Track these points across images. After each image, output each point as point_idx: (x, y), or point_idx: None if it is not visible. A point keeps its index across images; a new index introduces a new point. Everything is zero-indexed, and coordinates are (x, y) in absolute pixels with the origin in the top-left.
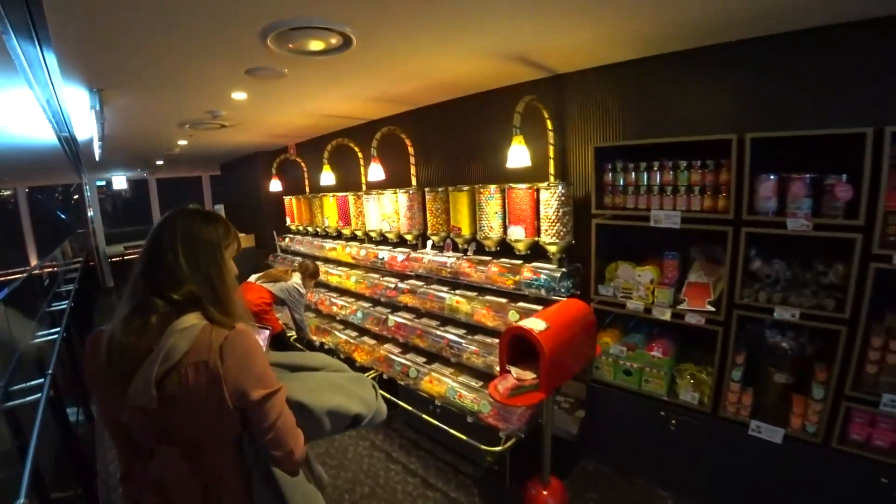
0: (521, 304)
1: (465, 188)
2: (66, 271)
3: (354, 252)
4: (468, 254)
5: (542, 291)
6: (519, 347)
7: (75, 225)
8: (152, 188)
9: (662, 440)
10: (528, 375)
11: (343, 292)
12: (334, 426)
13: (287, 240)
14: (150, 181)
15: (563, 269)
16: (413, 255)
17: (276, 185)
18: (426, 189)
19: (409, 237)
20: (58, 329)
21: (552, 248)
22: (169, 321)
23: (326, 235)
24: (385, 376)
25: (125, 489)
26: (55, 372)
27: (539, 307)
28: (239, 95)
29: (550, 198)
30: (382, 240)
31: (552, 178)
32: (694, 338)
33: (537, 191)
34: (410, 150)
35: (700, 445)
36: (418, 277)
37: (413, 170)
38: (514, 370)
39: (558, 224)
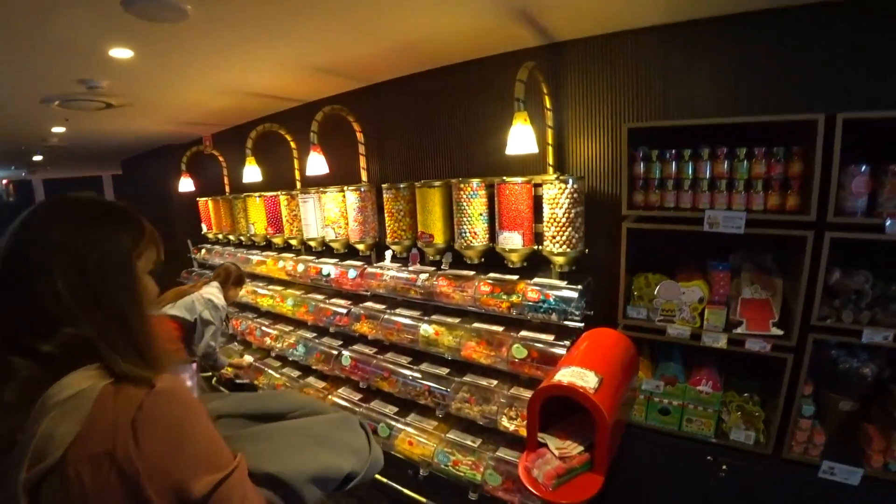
0: (523, 332)
1: (438, 183)
2: None
3: (289, 267)
4: (443, 267)
5: (554, 316)
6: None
7: None
8: (38, 191)
9: (710, 489)
10: (573, 449)
11: (277, 318)
12: (319, 493)
13: (203, 251)
14: (34, 182)
15: (580, 287)
16: (369, 270)
17: (186, 185)
18: (383, 186)
19: (360, 247)
20: None
21: (559, 260)
22: (39, 390)
23: (253, 245)
24: None
25: None
26: None
27: (549, 337)
28: (121, 52)
29: (559, 195)
30: (325, 251)
31: (551, 170)
32: (738, 363)
33: (537, 186)
34: (360, 136)
35: (757, 493)
36: (376, 299)
37: (363, 162)
38: (551, 442)
39: (569, 228)
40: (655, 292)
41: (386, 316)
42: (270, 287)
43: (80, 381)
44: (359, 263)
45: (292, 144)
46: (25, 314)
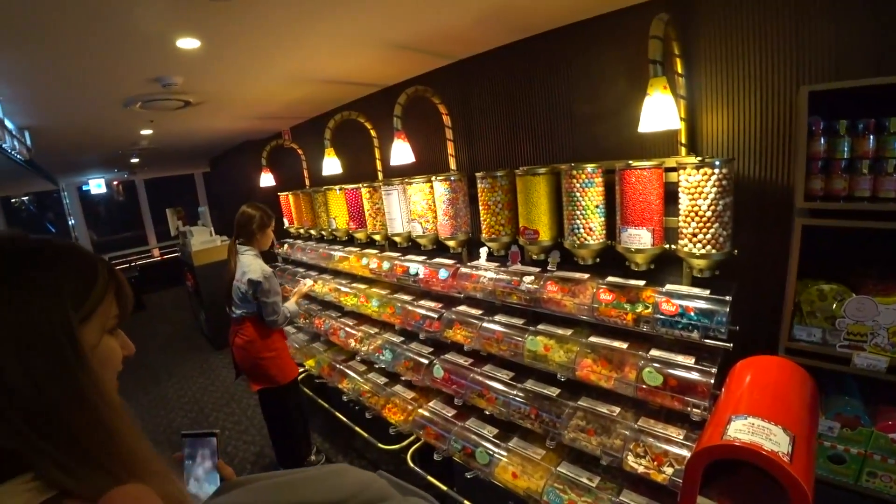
0: (654, 352)
1: (543, 170)
2: None
3: (374, 265)
4: (550, 269)
5: (695, 334)
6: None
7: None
8: (140, 190)
9: None
10: None
11: (361, 318)
12: None
13: (286, 246)
14: (137, 182)
15: (728, 298)
16: (462, 270)
17: (267, 180)
18: (477, 175)
19: (451, 244)
20: None
21: (700, 263)
22: None
23: (335, 240)
24: (437, 456)
25: None
26: None
27: (687, 360)
28: (188, 43)
29: (703, 182)
30: (412, 247)
31: (683, 151)
32: None
33: (668, 171)
34: (446, 119)
35: None
36: (471, 302)
37: (451, 148)
38: None
39: (716, 224)
40: (843, 310)
41: (484, 324)
42: (354, 285)
43: (11, 498)
44: (450, 262)
45: (372, 133)
46: None
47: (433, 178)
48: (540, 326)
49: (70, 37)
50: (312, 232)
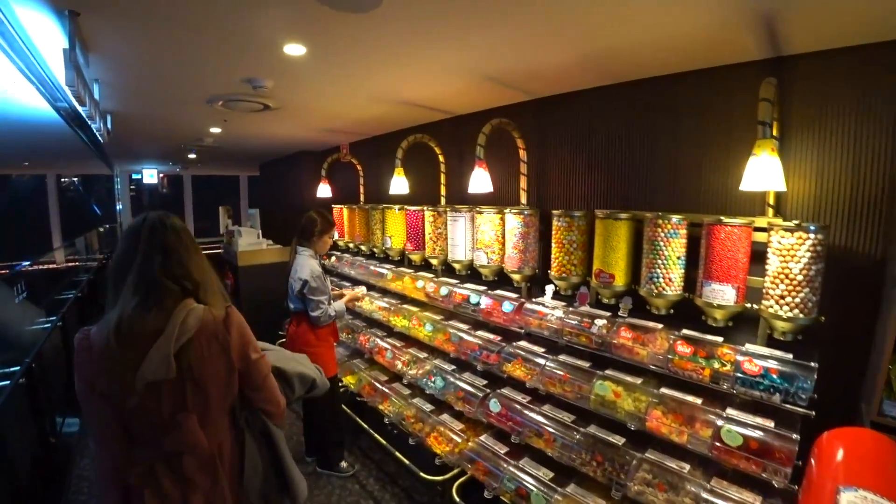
0: (731, 411)
1: (625, 216)
2: (85, 262)
3: (430, 289)
4: (621, 314)
5: (776, 397)
6: None
7: (107, 219)
8: (186, 184)
9: None
10: None
11: (408, 340)
12: (299, 389)
13: (333, 258)
14: (185, 177)
15: (813, 364)
16: (529, 306)
17: (324, 191)
18: (555, 213)
19: (516, 277)
20: (52, 318)
21: (784, 326)
22: (176, 305)
23: (386, 259)
24: (487, 494)
25: (116, 479)
26: (37, 362)
27: (768, 423)
28: (295, 49)
29: (797, 246)
30: (470, 275)
31: (771, 212)
32: None
33: (756, 230)
34: (522, 154)
35: None
36: (531, 338)
37: (523, 182)
38: None
39: (806, 289)
40: None
41: (548, 362)
42: (405, 306)
43: (193, 303)
44: (512, 295)
45: (441, 158)
46: (178, 268)
47: (507, 210)
48: (608, 371)
49: (180, 30)
50: (363, 248)
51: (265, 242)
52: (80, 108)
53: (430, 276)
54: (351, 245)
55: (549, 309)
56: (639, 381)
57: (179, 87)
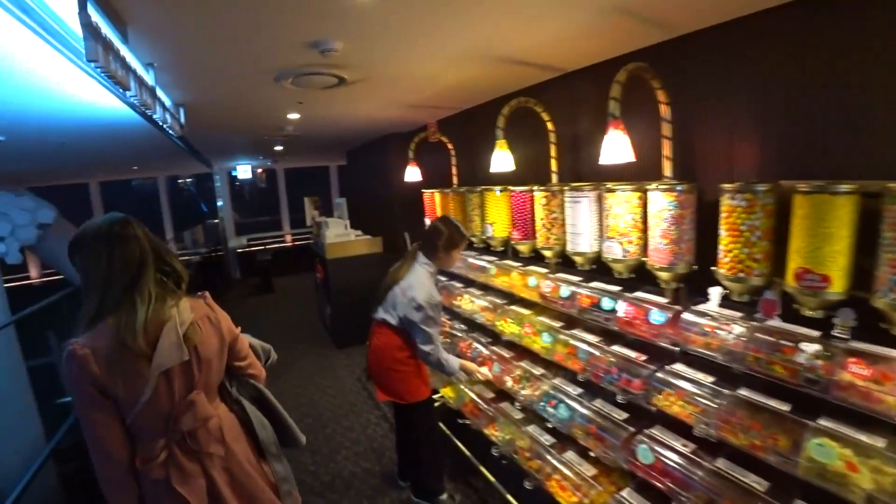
0: None
1: (847, 188)
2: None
3: (546, 288)
4: (837, 333)
5: None
6: None
7: (211, 215)
8: (280, 177)
9: None
10: None
11: (518, 349)
12: (263, 356)
13: None
14: (278, 171)
15: None
16: (689, 316)
17: (413, 174)
18: (726, 188)
19: (664, 276)
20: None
21: None
22: (175, 300)
23: (487, 249)
24: None
25: (130, 485)
26: None
27: None
28: None
29: None
30: (596, 271)
31: None
32: None
33: None
34: (664, 111)
35: None
36: (687, 359)
37: (667, 148)
38: None
39: None
40: None
41: (723, 401)
42: (512, 307)
43: (179, 294)
44: (660, 300)
45: (549, 126)
46: (172, 273)
47: (650, 185)
48: (823, 422)
49: None
50: (475, 240)
51: (354, 233)
52: (126, 92)
53: (543, 270)
54: None
55: (720, 322)
56: (880, 441)
57: (239, 61)
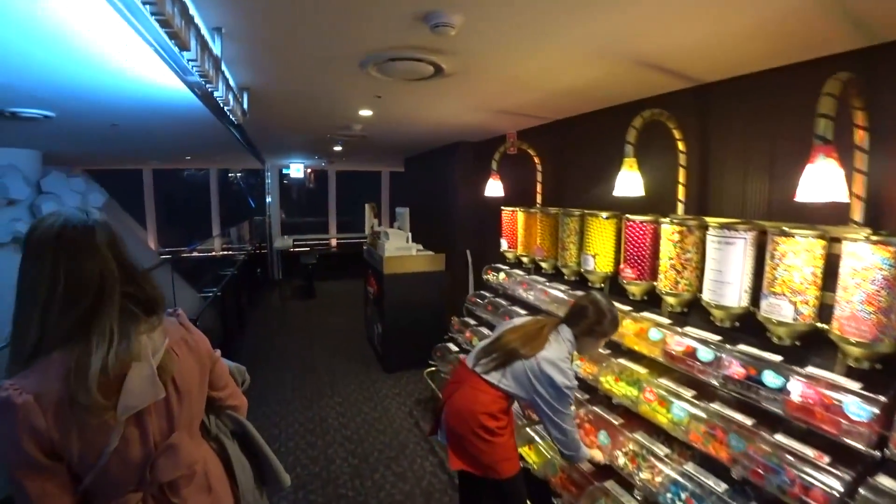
0: None
1: None
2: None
3: (676, 347)
4: None
5: None
6: None
7: (259, 212)
8: (331, 180)
9: None
10: None
11: (635, 418)
12: (240, 379)
13: (502, 275)
14: (329, 173)
15: None
16: None
17: (495, 188)
18: None
19: (856, 352)
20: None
21: None
22: (141, 325)
23: (581, 283)
24: None
25: None
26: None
27: None
28: None
29: None
30: (739, 329)
31: None
32: None
33: None
34: (861, 137)
35: None
36: (887, 468)
37: (859, 185)
38: None
39: None
40: None
41: None
42: (622, 362)
43: (150, 318)
44: (853, 385)
45: (681, 146)
46: (141, 293)
47: (851, 234)
48: None
49: None
50: (544, 265)
51: (415, 247)
52: (185, 55)
53: (663, 320)
54: (524, 260)
55: None
56: None
57: (324, 36)
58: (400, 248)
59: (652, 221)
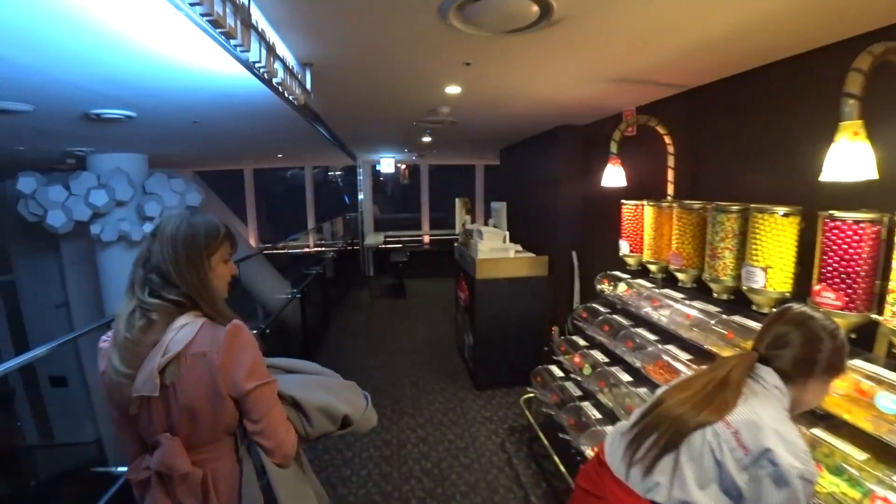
0: None
1: None
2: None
3: None
4: None
5: None
6: None
7: (354, 209)
8: (424, 175)
9: None
10: None
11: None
12: (321, 425)
13: (622, 287)
14: (422, 168)
15: None
16: None
17: (615, 177)
18: None
19: None
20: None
21: None
22: (171, 318)
23: (737, 305)
24: None
25: (132, 481)
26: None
27: None
28: None
29: None
30: None
31: None
32: None
33: None
34: None
35: None
36: None
37: None
38: None
39: None
40: None
41: None
42: (822, 437)
43: (190, 316)
44: None
45: None
46: (159, 277)
47: None
48: None
49: None
50: (681, 276)
51: (513, 248)
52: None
53: (889, 374)
54: (652, 268)
55: None
56: None
57: None
58: (495, 248)
59: (874, 221)
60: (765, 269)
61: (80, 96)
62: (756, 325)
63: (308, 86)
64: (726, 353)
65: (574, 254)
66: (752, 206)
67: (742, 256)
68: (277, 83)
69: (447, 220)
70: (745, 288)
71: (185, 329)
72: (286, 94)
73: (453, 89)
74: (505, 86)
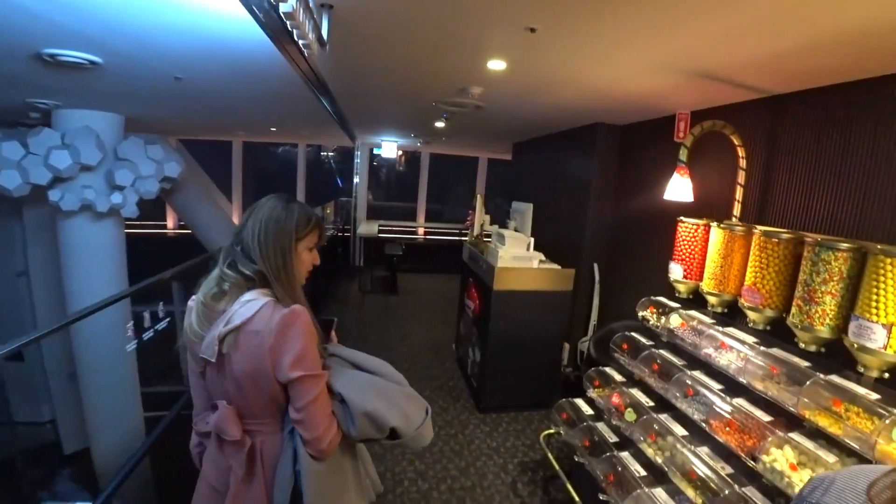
0: None
1: None
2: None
3: None
4: None
5: None
6: None
7: (346, 192)
8: (424, 163)
9: None
10: None
11: None
12: (366, 430)
13: (675, 319)
14: (423, 155)
15: None
16: None
17: (681, 189)
18: None
19: None
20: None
21: None
22: (241, 291)
23: (832, 354)
24: None
25: (196, 431)
26: None
27: None
28: None
29: None
30: None
31: None
32: None
33: None
34: None
35: None
36: None
37: None
38: None
39: None
40: None
41: None
42: None
43: (259, 293)
44: None
45: None
46: (242, 252)
47: None
48: None
49: None
50: (752, 316)
51: (537, 257)
52: None
53: None
54: (711, 300)
55: None
56: None
57: None
58: (517, 256)
59: None
60: (888, 327)
61: (30, 27)
62: (859, 389)
63: (325, 32)
64: (822, 419)
65: (595, 266)
66: (879, 246)
67: (848, 304)
68: (286, 13)
69: (442, 213)
70: (853, 344)
71: (249, 304)
72: (296, 36)
73: (497, 64)
74: (562, 67)
